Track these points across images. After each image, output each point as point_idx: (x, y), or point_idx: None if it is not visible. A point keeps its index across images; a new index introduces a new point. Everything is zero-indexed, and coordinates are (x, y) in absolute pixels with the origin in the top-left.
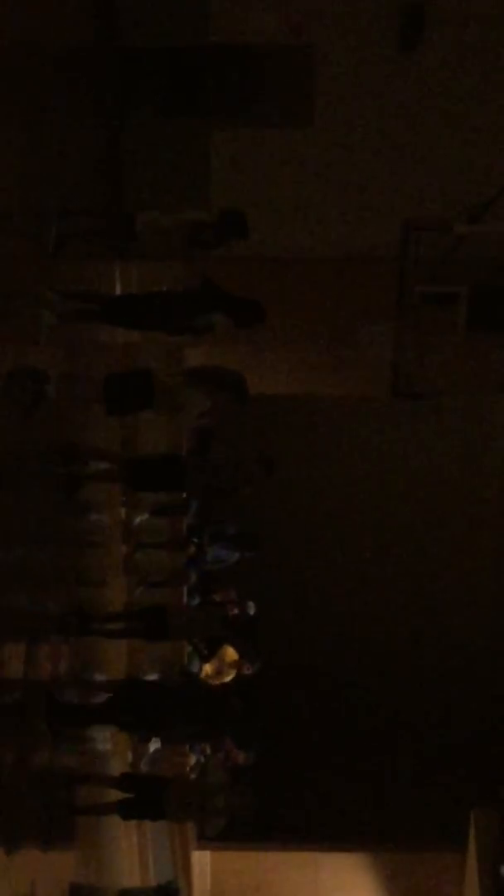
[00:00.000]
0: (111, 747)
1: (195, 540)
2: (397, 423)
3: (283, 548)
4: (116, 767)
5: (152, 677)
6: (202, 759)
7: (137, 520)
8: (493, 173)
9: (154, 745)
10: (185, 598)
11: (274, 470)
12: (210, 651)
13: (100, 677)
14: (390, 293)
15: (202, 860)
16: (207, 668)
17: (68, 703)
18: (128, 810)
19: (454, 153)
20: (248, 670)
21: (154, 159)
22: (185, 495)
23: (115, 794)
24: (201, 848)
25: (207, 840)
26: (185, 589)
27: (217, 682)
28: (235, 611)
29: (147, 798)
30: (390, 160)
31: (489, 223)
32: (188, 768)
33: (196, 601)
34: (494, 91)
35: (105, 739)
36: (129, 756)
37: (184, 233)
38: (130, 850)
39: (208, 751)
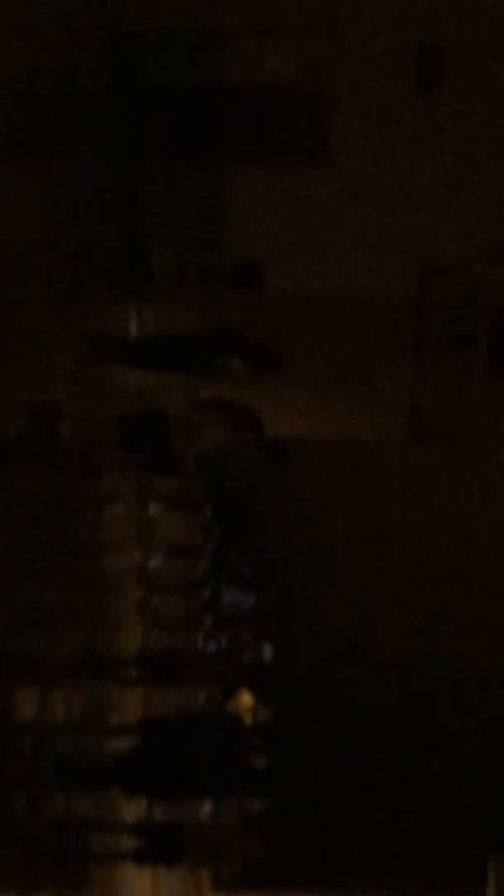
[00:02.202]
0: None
1: (211, 583)
2: (415, 467)
3: (298, 591)
4: (131, 813)
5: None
6: (215, 805)
7: (152, 563)
8: None
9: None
10: (200, 644)
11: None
12: (226, 696)
13: (114, 721)
14: (408, 335)
15: None
16: None
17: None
18: (143, 856)
19: (473, 194)
20: (264, 715)
21: (170, 201)
22: (200, 538)
23: (129, 841)
24: (216, 893)
25: (222, 886)
26: (200, 633)
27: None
28: (250, 655)
29: (161, 844)
30: (409, 201)
31: None
32: (202, 814)
33: (212, 646)
34: None
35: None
36: (144, 802)
37: (200, 275)
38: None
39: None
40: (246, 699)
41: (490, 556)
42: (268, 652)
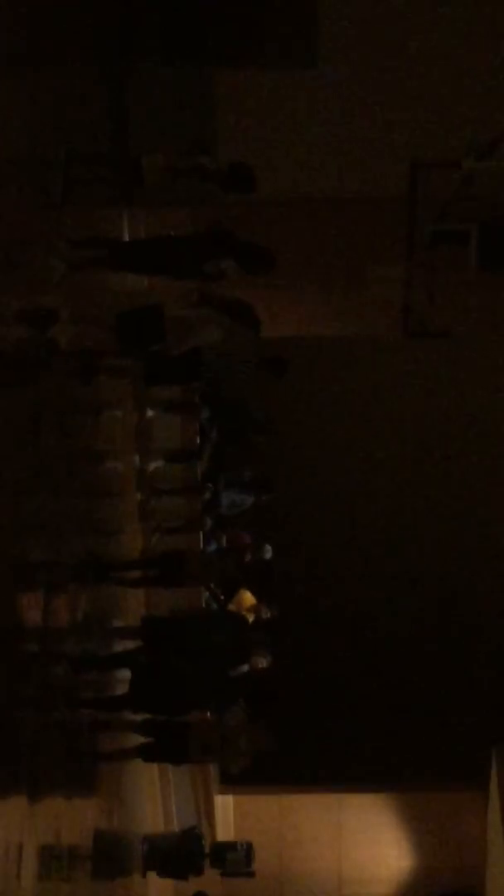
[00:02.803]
0: None
1: (210, 486)
2: (409, 363)
3: (297, 492)
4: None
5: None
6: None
7: (151, 466)
8: (501, 110)
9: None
10: (201, 545)
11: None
12: (227, 596)
13: (118, 624)
14: (400, 233)
15: (225, 804)
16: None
17: (89, 657)
18: (150, 754)
19: (462, 90)
20: (266, 614)
21: (159, 104)
22: (198, 440)
23: (136, 739)
24: (224, 792)
25: (230, 784)
26: (200, 535)
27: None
28: (251, 555)
29: (169, 741)
30: (397, 99)
31: (498, 160)
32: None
33: (212, 547)
34: (503, 28)
35: (125, 684)
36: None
37: (191, 177)
38: (153, 796)
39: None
40: (247, 598)
41: (483, 446)
42: (268, 551)
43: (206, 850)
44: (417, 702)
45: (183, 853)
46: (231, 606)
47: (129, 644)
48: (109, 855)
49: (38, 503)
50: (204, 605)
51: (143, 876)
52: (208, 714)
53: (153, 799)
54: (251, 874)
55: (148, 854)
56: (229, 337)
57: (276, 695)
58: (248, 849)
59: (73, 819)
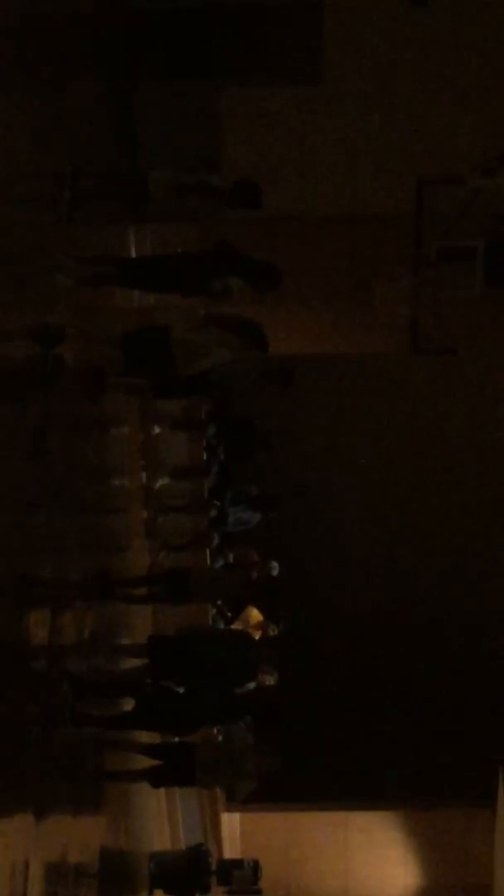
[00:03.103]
0: None
1: (216, 502)
2: (416, 379)
3: (303, 509)
4: (145, 734)
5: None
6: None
7: (158, 483)
8: None
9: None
10: (207, 561)
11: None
12: (234, 613)
13: (125, 641)
14: (407, 250)
15: (232, 822)
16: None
17: (92, 681)
18: (157, 778)
19: (467, 107)
20: (273, 631)
21: (166, 120)
22: (205, 457)
23: (143, 761)
24: (230, 810)
25: (236, 803)
26: (207, 552)
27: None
28: (257, 572)
29: (176, 765)
30: (403, 116)
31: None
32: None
33: (219, 564)
34: None
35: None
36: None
37: (197, 193)
38: (160, 813)
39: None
40: (254, 615)
41: (489, 462)
42: (274, 568)
43: (213, 867)
44: (425, 721)
45: (190, 871)
46: (238, 624)
47: (135, 662)
48: (116, 873)
49: (44, 519)
50: (211, 622)
51: (150, 894)
52: (215, 732)
53: (160, 817)
54: (258, 892)
55: (155, 872)
56: (237, 357)
57: (278, 713)
58: (255, 866)
59: (80, 837)
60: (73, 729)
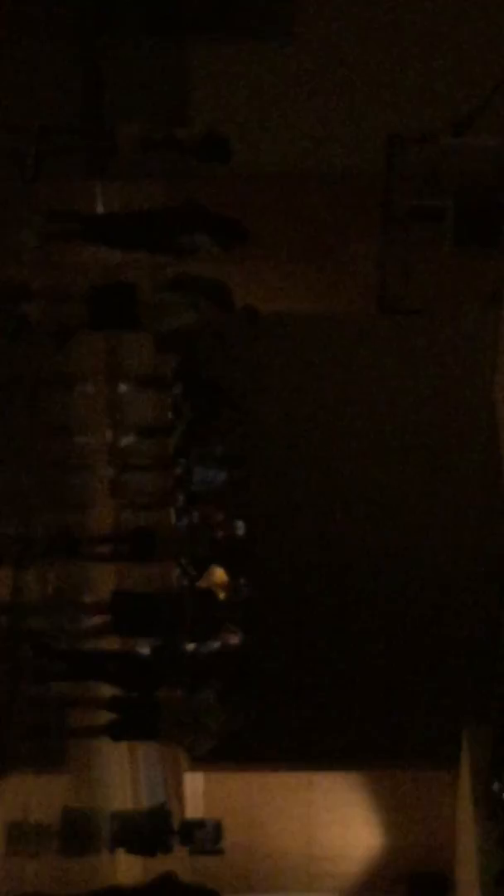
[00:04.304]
0: None
1: (182, 461)
2: (384, 339)
3: (269, 467)
4: (107, 689)
5: None
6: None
7: (123, 442)
8: (477, 85)
9: (144, 649)
10: (172, 520)
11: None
12: (198, 572)
13: (88, 599)
14: (375, 209)
15: (194, 782)
16: None
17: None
18: (119, 732)
19: (437, 65)
20: (238, 591)
21: (134, 75)
22: (170, 416)
23: (106, 716)
24: (193, 770)
25: (199, 761)
26: (172, 510)
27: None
28: (223, 532)
29: (138, 718)
30: (373, 73)
31: (474, 135)
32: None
33: (184, 522)
34: (478, 3)
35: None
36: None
37: (166, 149)
38: (122, 772)
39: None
40: (219, 575)
41: (456, 422)
42: (241, 527)
43: (175, 827)
44: (389, 683)
45: (151, 830)
46: (203, 582)
47: (97, 620)
48: (77, 831)
49: (8, 477)
50: (175, 581)
51: (112, 853)
52: (178, 692)
53: (122, 775)
54: (220, 852)
55: (116, 831)
56: (203, 317)
57: (247, 673)
58: (217, 827)
59: (42, 795)
60: (35, 686)
